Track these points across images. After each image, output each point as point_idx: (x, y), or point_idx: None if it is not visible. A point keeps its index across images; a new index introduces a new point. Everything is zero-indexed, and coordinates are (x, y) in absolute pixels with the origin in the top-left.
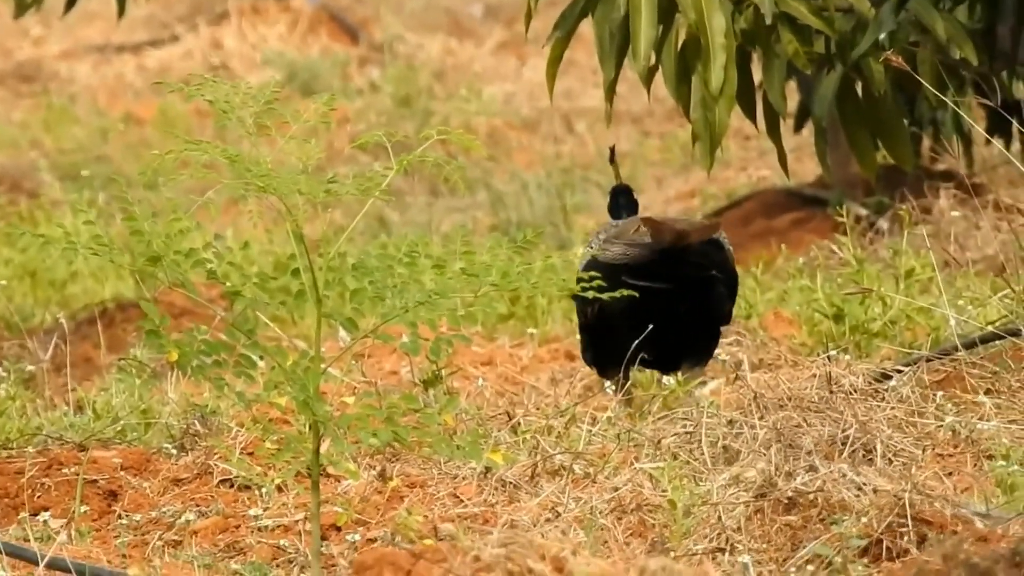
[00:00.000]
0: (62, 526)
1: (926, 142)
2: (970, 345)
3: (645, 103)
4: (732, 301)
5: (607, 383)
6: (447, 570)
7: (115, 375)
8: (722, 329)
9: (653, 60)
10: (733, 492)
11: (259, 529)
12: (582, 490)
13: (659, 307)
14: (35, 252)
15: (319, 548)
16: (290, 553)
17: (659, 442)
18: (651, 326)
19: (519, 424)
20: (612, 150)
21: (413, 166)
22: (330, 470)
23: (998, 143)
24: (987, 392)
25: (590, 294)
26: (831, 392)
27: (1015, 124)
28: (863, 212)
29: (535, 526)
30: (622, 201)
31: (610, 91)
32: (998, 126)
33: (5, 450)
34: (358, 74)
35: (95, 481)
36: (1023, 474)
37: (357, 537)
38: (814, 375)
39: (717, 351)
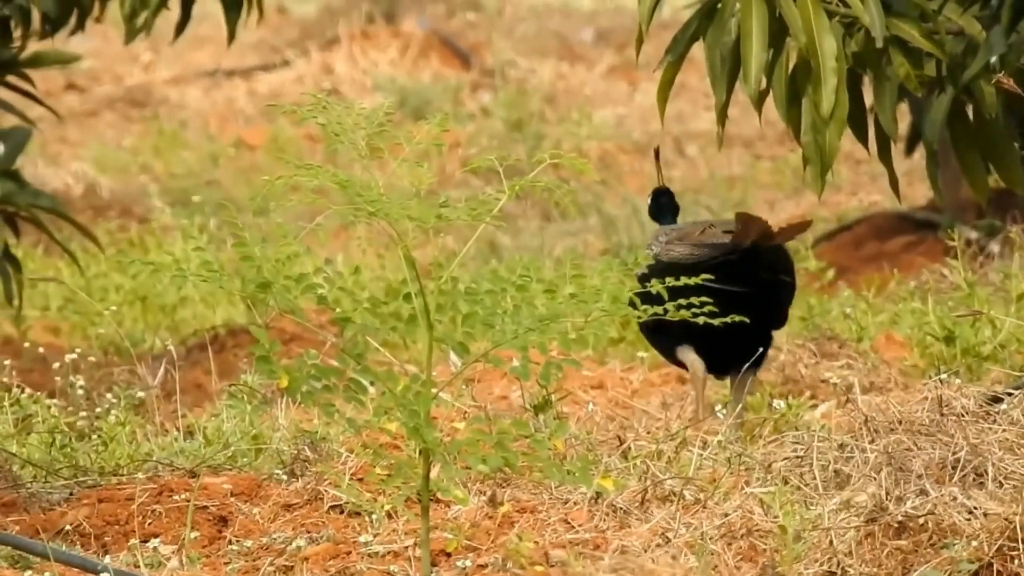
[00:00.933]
0: (172, 552)
1: None
2: None
3: (756, 126)
4: (789, 304)
5: (718, 407)
6: None
7: (225, 401)
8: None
9: (764, 83)
10: (844, 516)
11: (369, 555)
12: (692, 515)
13: (724, 310)
14: (145, 278)
15: (429, 574)
16: None
17: (769, 466)
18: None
19: (629, 449)
20: (657, 151)
21: (525, 190)
22: (440, 496)
23: None
24: None
25: (655, 291)
26: (942, 415)
27: None
28: (974, 235)
29: (646, 552)
30: (663, 201)
31: (721, 114)
32: None
33: (115, 476)
34: (469, 99)
35: (205, 507)
36: None
37: (468, 563)
38: (925, 398)
39: (828, 374)
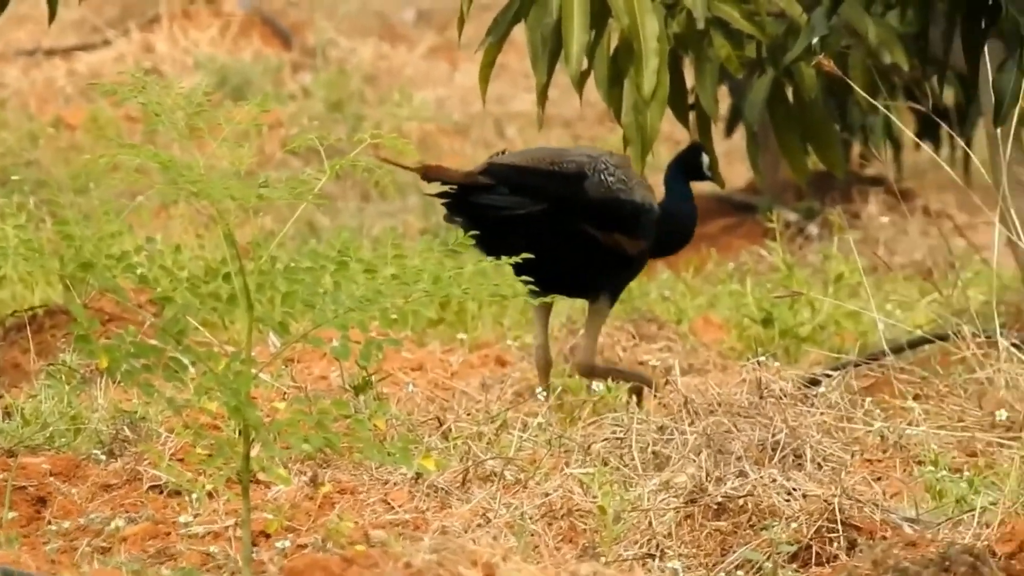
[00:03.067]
0: None
1: (856, 147)
2: (898, 350)
3: (577, 107)
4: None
5: (539, 389)
6: None
7: (44, 381)
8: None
9: (585, 64)
10: (663, 498)
11: (189, 535)
12: (513, 496)
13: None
14: None
15: (250, 554)
16: (220, 560)
17: (589, 448)
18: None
19: (450, 430)
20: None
21: (344, 170)
22: (260, 476)
23: (928, 148)
24: (915, 397)
25: None
26: (761, 397)
27: (945, 129)
28: (793, 217)
29: (466, 532)
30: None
31: (542, 95)
32: (928, 131)
33: None
34: (290, 79)
35: (24, 487)
36: (951, 479)
37: (288, 543)
38: (744, 380)
39: (647, 357)
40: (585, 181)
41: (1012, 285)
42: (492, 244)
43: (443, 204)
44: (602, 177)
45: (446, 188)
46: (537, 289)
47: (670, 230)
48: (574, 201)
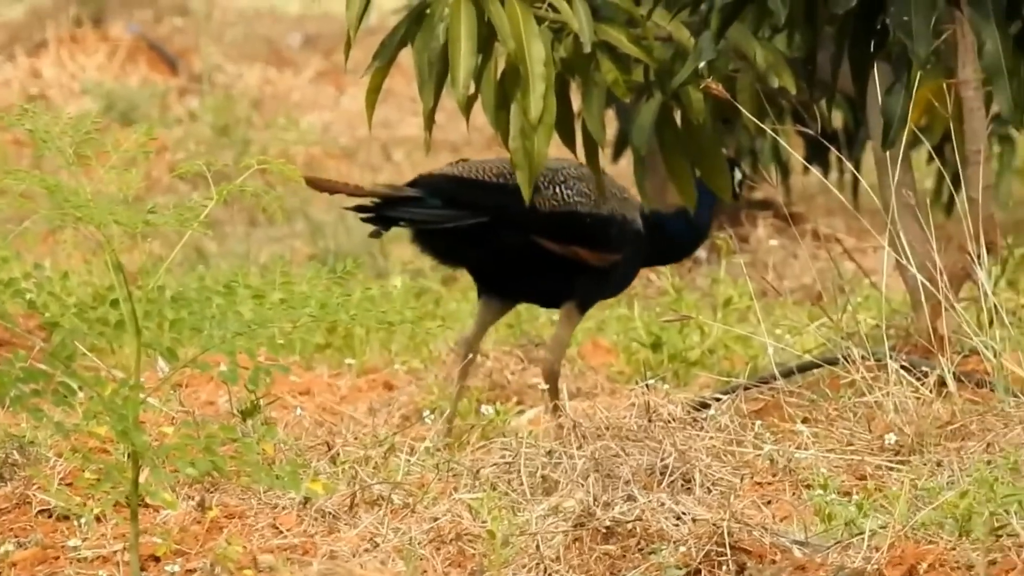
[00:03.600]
0: None
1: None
2: (788, 374)
3: (464, 132)
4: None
5: (425, 412)
6: None
7: None
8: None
9: (472, 89)
10: (552, 522)
11: (78, 560)
12: (401, 520)
13: None
14: None
15: None
16: None
17: (478, 472)
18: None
19: (338, 454)
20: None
21: (232, 196)
22: (149, 500)
23: (816, 171)
24: (805, 421)
25: None
26: (649, 421)
27: (833, 152)
28: None
29: (354, 557)
30: None
31: (429, 120)
32: (816, 155)
33: None
34: (177, 103)
35: None
36: (841, 503)
37: (176, 568)
38: (632, 404)
39: (536, 380)
40: (534, 193)
41: (901, 309)
42: (442, 253)
43: (362, 219)
44: (557, 189)
45: (364, 203)
46: (484, 288)
47: (664, 240)
48: (517, 213)
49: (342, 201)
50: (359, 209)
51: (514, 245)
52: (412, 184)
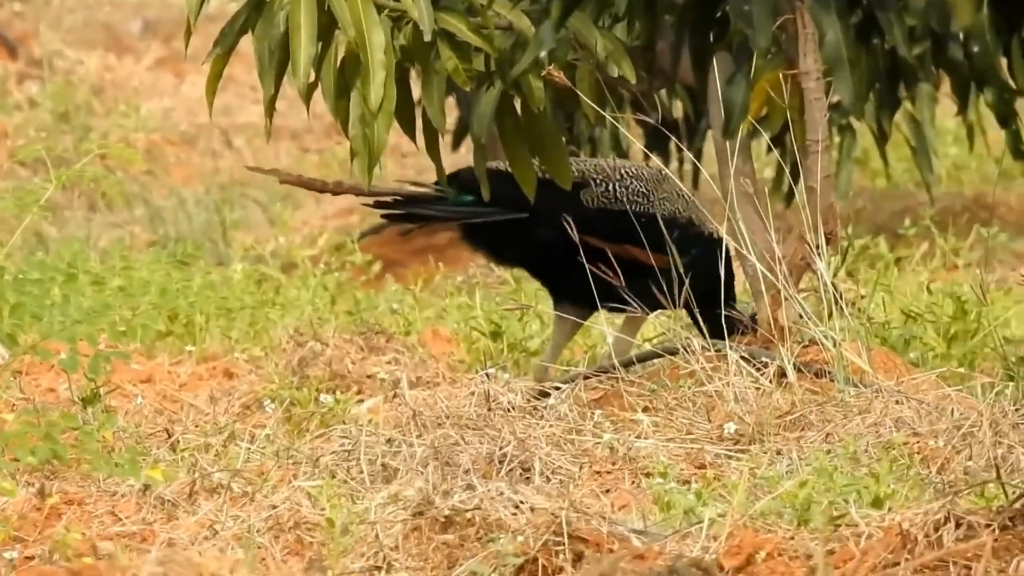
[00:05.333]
0: None
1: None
2: (627, 363)
3: (304, 119)
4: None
5: (265, 400)
6: None
7: None
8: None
9: (313, 77)
10: (391, 510)
11: None
12: (240, 508)
13: None
14: None
15: None
16: None
17: (317, 460)
18: None
19: (178, 442)
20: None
21: (72, 181)
22: None
23: (657, 160)
24: (644, 410)
25: None
26: (489, 410)
27: (673, 142)
28: None
29: (193, 544)
30: None
31: (270, 107)
32: (656, 144)
33: None
34: (17, 89)
35: None
36: (680, 491)
37: (15, 555)
38: (472, 393)
39: (376, 369)
40: (583, 190)
41: (742, 298)
42: (493, 252)
43: (383, 216)
44: (610, 187)
45: (388, 200)
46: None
47: None
48: (561, 211)
49: (180, 188)
50: (380, 205)
51: (554, 242)
52: (453, 177)
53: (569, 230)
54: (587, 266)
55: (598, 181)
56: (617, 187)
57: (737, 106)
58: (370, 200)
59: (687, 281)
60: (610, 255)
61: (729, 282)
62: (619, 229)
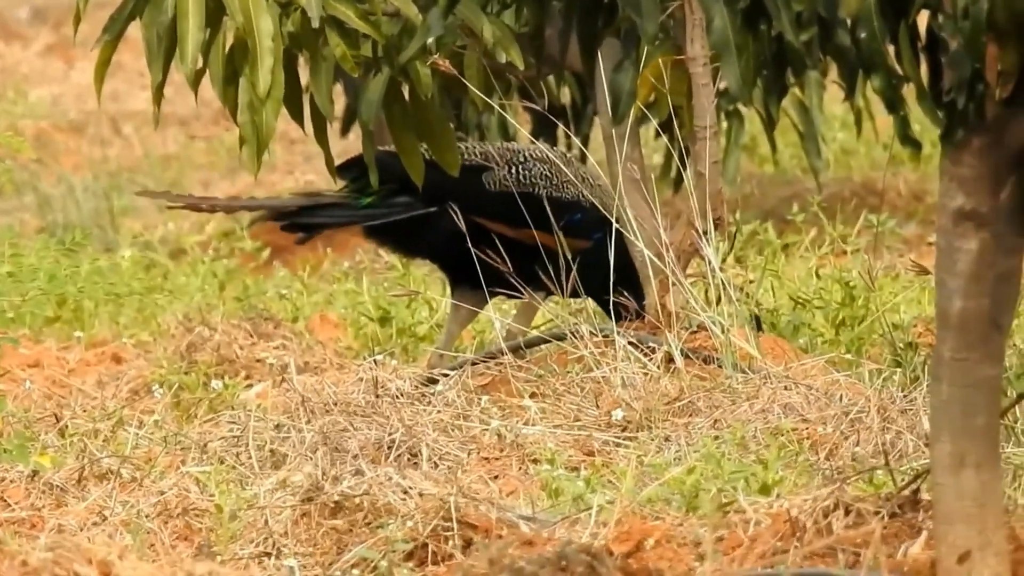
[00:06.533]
0: None
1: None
2: (515, 349)
3: (192, 106)
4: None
5: (154, 385)
6: None
7: None
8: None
9: (201, 63)
10: (280, 496)
11: None
12: (129, 494)
13: None
14: None
15: None
16: None
17: (205, 446)
18: None
19: (66, 427)
20: None
21: None
22: None
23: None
24: (532, 396)
25: None
26: (377, 396)
27: (561, 128)
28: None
29: (82, 530)
30: None
31: (158, 94)
32: (544, 130)
33: None
34: None
35: None
36: (568, 478)
37: None
38: (361, 379)
39: (264, 354)
40: (484, 175)
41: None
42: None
43: (282, 228)
44: (515, 171)
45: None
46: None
47: None
48: (463, 198)
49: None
50: (278, 218)
51: (458, 232)
52: (344, 168)
53: (469, 217)
54: (486, 253)
55: (500, 164)
56: (520, 170)
57: (625, 92)
58: (271, 215)
59: (576, 266)
60: (511, 240)
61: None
62: (520, 213)
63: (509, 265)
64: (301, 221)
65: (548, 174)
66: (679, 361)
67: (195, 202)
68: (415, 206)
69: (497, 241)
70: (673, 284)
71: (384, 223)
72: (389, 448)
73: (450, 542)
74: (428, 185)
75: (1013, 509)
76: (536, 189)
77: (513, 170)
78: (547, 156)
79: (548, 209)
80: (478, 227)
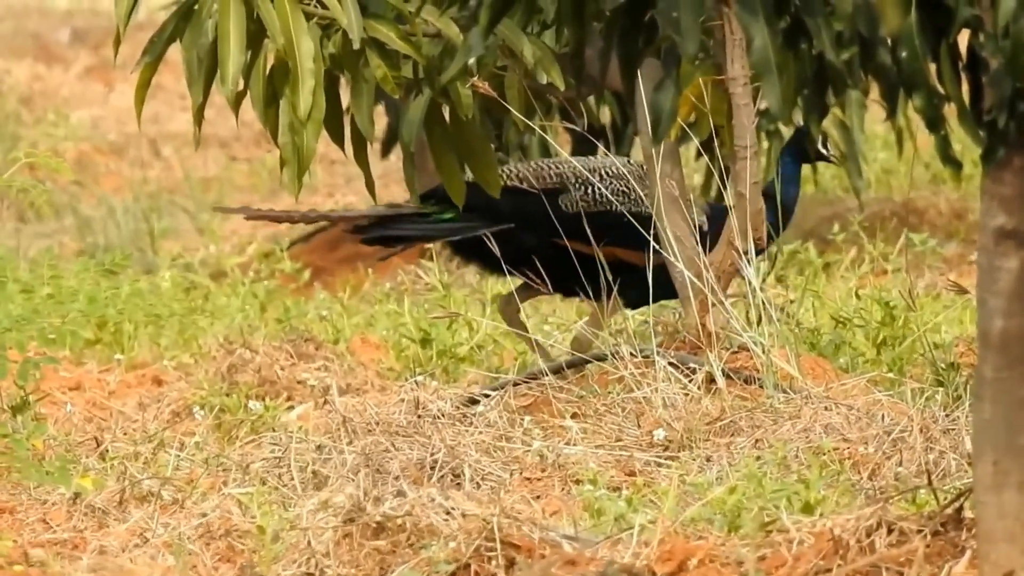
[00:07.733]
0: None
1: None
2: (557, 370)
3: (233, 127)
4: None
5: (195, 407)
6: None
7: None
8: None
9: (241, 84)
10: (322, 517)
11: None
12: (171, 516)
13: None
14: None
15: None
16: None
17: (247, 467)
18: None
19: (107, 450)
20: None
21: (0, 191)
22: None
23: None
24: (573, 416)
25: None
26: (419, 417)
27: (600, 149)
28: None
29: (124, 552)
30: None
31: (198, 115)
32: (584, 150)
33: None
34: None
35: None
36: (610, 498)
37: None
38: (402, 400)
39: (305, 376)
40: (561, 196)
41: (669, 304)
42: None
43: (363, 241)
44: (589, 190)
45: (357, 224)
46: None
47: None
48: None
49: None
50: (357, 231)
51: (537, 250)
52: (431, 195)
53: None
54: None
55: (576, 185)
56: (595, 189)
57: (665, 112)
58: (348, 226)
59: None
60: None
61: None
62: (601, 231)
63: (583, 278)
64: (383, 234)
65: (625, 189)
66: (720, 381)
67: (275, 215)
68: (494, 224)
69: (574, 257)
70: (713, 304)
71: (464, 238)
72: (431, 469)
73: (493, 562)
74: (510, 212)
75: None
76: (613, 206)
77: (588, 189)
78: (623, 172)
79: (634, 224)
80: (555, 245)
